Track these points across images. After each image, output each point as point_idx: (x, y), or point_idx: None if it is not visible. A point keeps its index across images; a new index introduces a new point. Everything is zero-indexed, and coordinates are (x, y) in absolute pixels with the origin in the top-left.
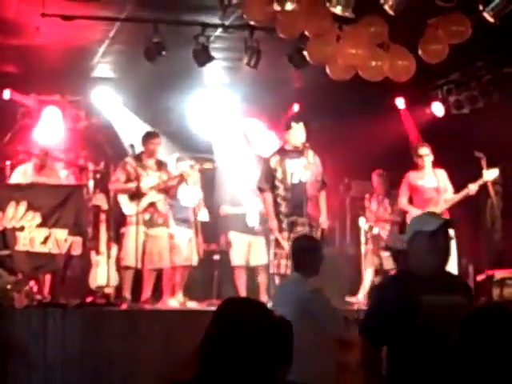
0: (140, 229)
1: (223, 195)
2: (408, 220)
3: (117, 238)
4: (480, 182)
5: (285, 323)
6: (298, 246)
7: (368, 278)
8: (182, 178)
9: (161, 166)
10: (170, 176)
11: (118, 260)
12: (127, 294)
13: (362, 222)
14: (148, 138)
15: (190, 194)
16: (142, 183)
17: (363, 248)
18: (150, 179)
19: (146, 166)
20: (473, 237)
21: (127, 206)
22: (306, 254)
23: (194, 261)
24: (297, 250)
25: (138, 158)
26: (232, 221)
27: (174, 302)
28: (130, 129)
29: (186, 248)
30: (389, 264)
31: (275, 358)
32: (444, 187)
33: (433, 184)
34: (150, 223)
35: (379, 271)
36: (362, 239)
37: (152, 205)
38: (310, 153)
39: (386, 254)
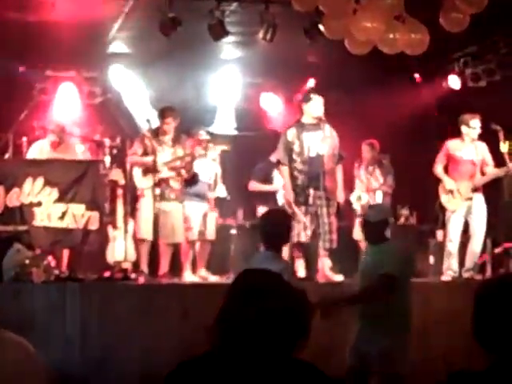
0: (151, 204)
1: (253, 171)
2: (440, 190)
3: (133, 212)
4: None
5: (302, 296)
6: (268, 220)
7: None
8: (193, 156)
9: (176, 142)
10: (185, 153)
11: (135, 234)
12: (144, 267)
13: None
14: (162, 116)
15: (207, 170)
16: (157, 158)
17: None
18: (164, 155)
19: (162, 142)
20: (490, 210)
21: (140, 180)
22: (277, 228)
23: (210, 235)
24: (266, 225)
25: (155, 132)
26: (262, 197)
27: (195, 277)
28: (146, 104)
29: (201, 223)
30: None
31: (292, 331)
32: (483, 160)
33: (471, 156)
34: (161, 197)
35: None
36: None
37: (164, 180)
38: (327, 126)
39: None
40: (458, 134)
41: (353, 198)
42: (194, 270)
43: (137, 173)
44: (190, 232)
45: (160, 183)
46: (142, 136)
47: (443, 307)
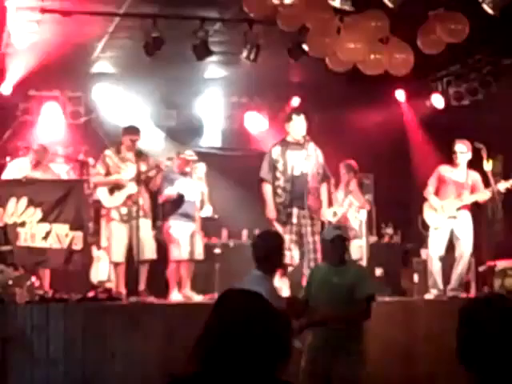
0: (122, 226)
1: None
2: (424, 207)
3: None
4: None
5: (283, 317)
6: (258, 242)
7: None
8: (159, 170)
9: (140, 156)
10: (149, 167)
11: (110, 258)
12: (122, 289)
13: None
14: (127, 133)
15: (194, 189)
16: (121, 175)
17: None
18: (129, 171)
19: (125, 159)
20: (474, 227)
21: (107, 199)
22: (268, 250)
23: (198, 255)
24: (258, 246)
25: (117, 150)
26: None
27: (181, 296)
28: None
29: (188, 242)
30: None
31: (274, 351)
32: (473, 186)
33: (461, 179)
34: (128, 216)
35: None
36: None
37: (130, 197)
38: (311, 145)
39: None
40: (442, 153)
41: (328, 214)
42: (179, 289)
43: (102, 192)
44: (178, 252)
45: (126, 201)
46: (104, 156)
47: (428, 326)
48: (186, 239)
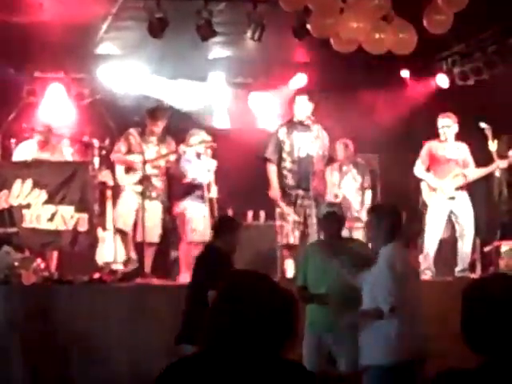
0: (133, 197)
1: None
2: (422, 187)
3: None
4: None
5: (290, 297)
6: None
7: None
8: (178, 155)
9: (162, 141)
10: (169, 151)
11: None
12: (133, 256)
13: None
14: (152, 117)
15: (206, 171)
16: (140, 156)
17: None
18: (149, 152)
19: (147, 141)
20: (480, 208)
21: (122, 177)
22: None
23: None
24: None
25: (142, 131)
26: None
27: None
28: (136, 104)
29: (202, 224)
30: None
31: (280, 331)
32: (465, 161)
33: (454, 156)
34: (142, 195)
35: None
36: None
37: (146, 178)
38: (317, 126)
39: None
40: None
41: (329, 196)
42: (189, 270)
43: (119, 169)
44: (195, 233)
45: (142, 181)
46: (127, 133)
47: (436, 306)
48: (200, 221)
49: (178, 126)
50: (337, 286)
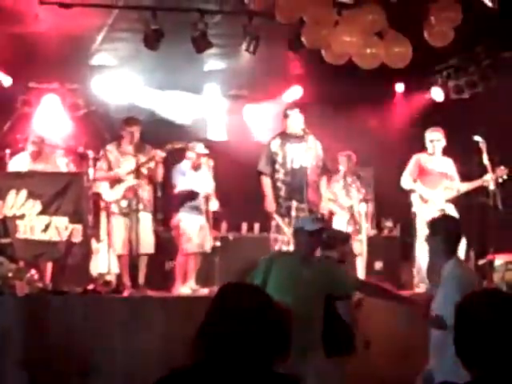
0: (121, 222)
1: None
2: (413, 199)
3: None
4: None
5: (283, 310)
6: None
7: None
8: (155, 161)
9: (139, 149)
10: (148, 158)
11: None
12: (127, 280)
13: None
14: (125, 124)
15: (203, 183)
16: (120, 170)
17: None
18: (128, 164)
19: (125, 152)
20: (476, 220)
21: (107, 193)
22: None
23: (207, 247)
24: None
25: (118, 144)
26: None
27: (186, 289)
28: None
29: (198, 235)
30: None
31: (273, 345)
32: (451, 175)
33: (443, 169)
34: (128, 209)
35: None
36: None
37: (129, 190)
38: (311, 137)
39: None
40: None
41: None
42: (184, 282)
43: (104, 186)
44: (190, 244)
45: (126, 193)
46: (105, 151)
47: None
48: (195, 232)
49: (171, 138)
50: (300, 304)
